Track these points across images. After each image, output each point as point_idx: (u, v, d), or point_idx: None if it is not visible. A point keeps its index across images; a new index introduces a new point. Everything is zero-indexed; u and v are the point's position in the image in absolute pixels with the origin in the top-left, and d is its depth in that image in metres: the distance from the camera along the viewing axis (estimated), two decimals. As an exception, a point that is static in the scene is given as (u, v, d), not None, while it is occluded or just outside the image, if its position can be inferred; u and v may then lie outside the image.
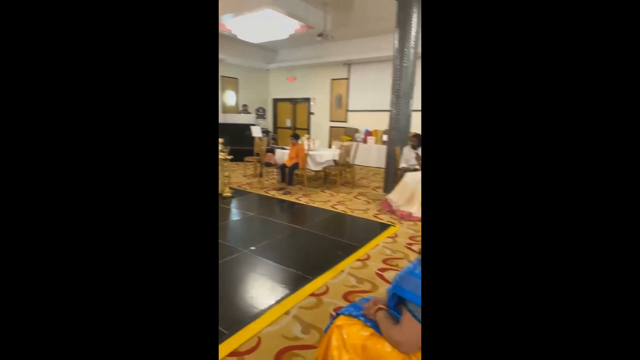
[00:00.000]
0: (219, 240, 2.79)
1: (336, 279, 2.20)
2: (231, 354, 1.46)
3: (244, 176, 5.79)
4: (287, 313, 1.78)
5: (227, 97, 8.39)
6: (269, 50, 8.33)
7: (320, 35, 5.49)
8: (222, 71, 7.98)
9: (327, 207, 3.97)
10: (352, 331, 1.00)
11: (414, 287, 0.81)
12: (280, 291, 2.01)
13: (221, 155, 4.08)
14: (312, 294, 1.99)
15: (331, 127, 8.46)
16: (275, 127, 9.64)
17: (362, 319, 1.02)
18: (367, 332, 0.98)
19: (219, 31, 5.90)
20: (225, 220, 3.41)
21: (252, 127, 6.73)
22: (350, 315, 1.07)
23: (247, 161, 5.80)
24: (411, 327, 0.82)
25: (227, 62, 7.76)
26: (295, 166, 4.77)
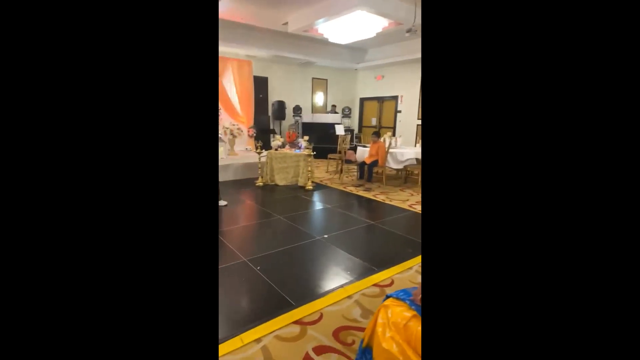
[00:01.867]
0: (296, 226, 3.07)
1: (403, 274, 2.20)
2: (296, 322, 1.65)
3: (326, 172, 6.08)
4: (349, 297, 1.89)
5: (316, 98, 8.89)
6: (358, 50, 8.47)
7: (409, 31, 5.36)
8: (313, 73, 8.49)
9: (405, 206, 3.90)
10: (397, 311, 1.05)
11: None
12: (345, 277, 2.13)
13: (305, 152, 4.46)
14: (376, 284, 2.05)
15: (419, 125, 8.13)
16: (361, 125, 9.75)
17: (408, 302, 1.07)
18: (410, 313, 1.02)
19: (311, 36, 6.32)
20: (305, 210, 3.70)
21: (337, 126, 7.00)
22: (398, 298, 1.12)
23: (330, 158, 6.07)
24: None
25: (318, 64, 8.21)
26: (375, 163, 4.80)
